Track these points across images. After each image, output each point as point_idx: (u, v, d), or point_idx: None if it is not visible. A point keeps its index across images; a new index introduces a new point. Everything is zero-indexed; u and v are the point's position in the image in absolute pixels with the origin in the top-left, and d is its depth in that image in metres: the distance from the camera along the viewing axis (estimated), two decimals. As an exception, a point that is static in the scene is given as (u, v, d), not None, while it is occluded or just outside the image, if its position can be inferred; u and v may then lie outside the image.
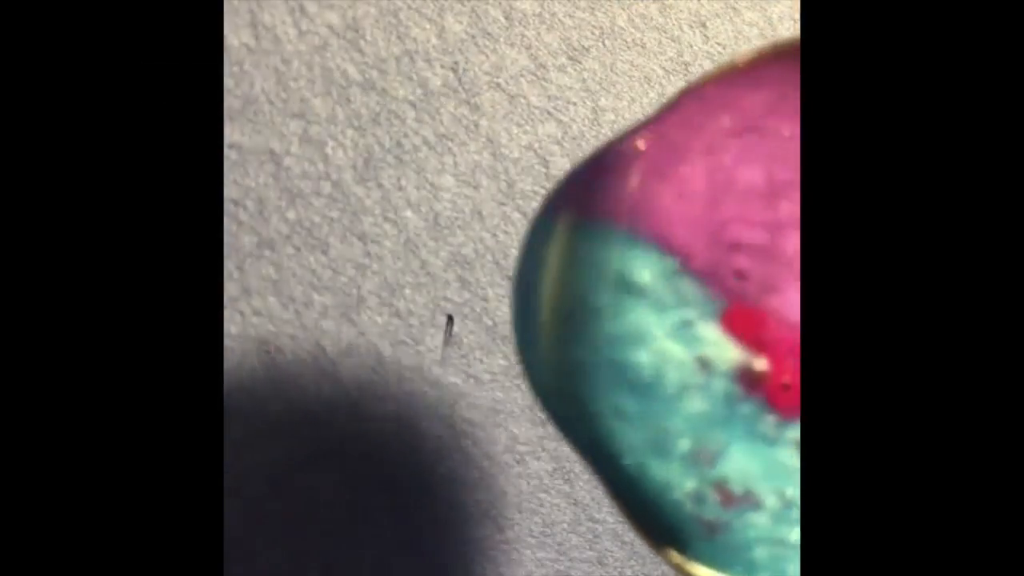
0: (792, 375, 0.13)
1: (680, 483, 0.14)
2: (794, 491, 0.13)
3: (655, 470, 0.14)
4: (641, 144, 0.14)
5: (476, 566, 0.32)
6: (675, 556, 0.14)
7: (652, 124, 0.15)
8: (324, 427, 0.29)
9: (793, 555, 0.13)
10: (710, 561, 0.14)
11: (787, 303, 0.13)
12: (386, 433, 0.30)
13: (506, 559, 0.33)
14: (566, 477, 0.34)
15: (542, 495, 0.33)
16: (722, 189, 0.14)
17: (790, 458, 0.13)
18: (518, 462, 0.33)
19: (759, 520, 0.13)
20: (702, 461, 0.14)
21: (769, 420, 0.13)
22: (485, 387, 0.32)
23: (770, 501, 0.13)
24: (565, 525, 0.34)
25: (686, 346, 0.14)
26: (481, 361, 0.32)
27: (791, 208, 0.13)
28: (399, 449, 0.31)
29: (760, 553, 0.13)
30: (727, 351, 0.14)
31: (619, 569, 0.35)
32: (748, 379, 0.14)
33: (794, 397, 0.13)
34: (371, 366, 0.30)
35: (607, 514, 0.34)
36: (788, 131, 0.13)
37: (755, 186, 0.13)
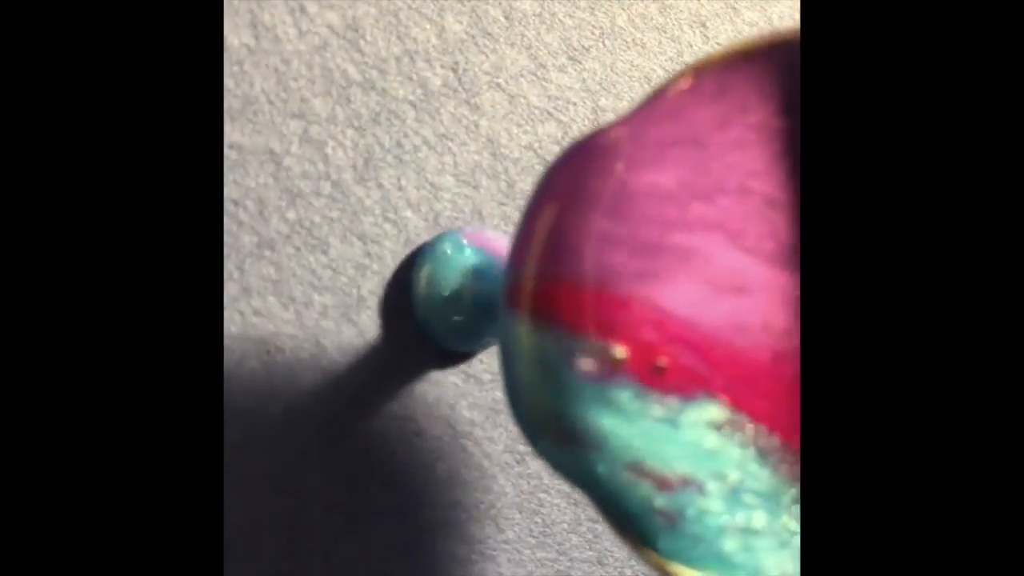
0: (670, 358, 0.13)
1: (588, 469, 0.14)
2: (738, 475, 0.13)
3: (553, 457, 0.15)
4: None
5: (476, 566, 0.32)
6: (654, 556, 0.14)
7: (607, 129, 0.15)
8: (324, 427, 0.29)
9: (765, 545, 0.13)
10: (683, 557, 0.14)
11: (667, 293, 0.13)
12: (386, 433, 0.30)
13: (506, 559, 0.33)
14: (566, 477, 0.34)
15: (542, 495, 0.33)
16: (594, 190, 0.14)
17: (710, 439, 0.13)
18: (518, 462, 0.33)
19: (711, 505, 0.13)
20: (577, 445, 0.14)
21: (667, 402, 0.13)
22: (485, 387, 0.32)
23: (712, 486, 0.13)
24: (565, 525, 0.34)
25: (504, 329, 0.15)
26: (481, 361, 0.32)
27: (704, 209, 0.13)
28: (399, 449, 0.31)
29: (730, 545, 0.13)
30: (527, 331, 0.14)
31: (619, 569, 0.35)
32: (591, 361, 0.14)
33: (679, 377, 0.13)
34: (371, 366, 0.30)
35: (607, 514, 0.34)
36: (733, 142, 0.13)
37: (656, 188, 0.14)
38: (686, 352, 0.13)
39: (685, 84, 0.14)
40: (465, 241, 0.30)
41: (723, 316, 0.13)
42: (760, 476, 0.13)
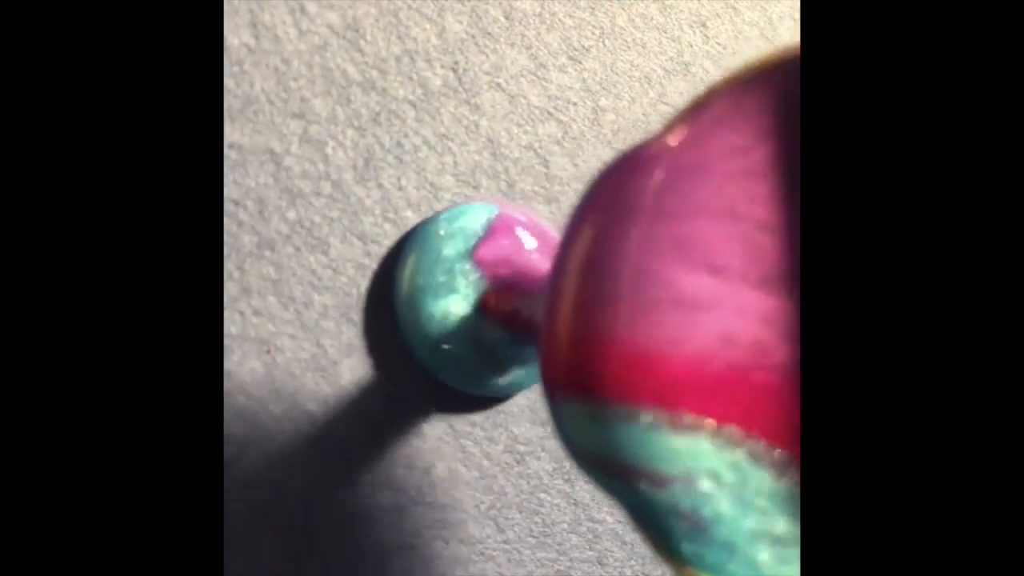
0: (569, 363, 0.14)
1: (584, 470, 0.15)
2: (733, 475, 0.13)
3: (592, 477, 0.15)
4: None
5: (476, 566, 0.32)
6: (690, 571, 0.14)
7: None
8: (324, 427, 0.29)
9: (799, 556, 0.13)
10: (719, 571, 0.14)
11: (571, 302, 0.14)
12: (386, 433, 0.30)
13: (506, 559, 0.33)
14: (566, 477, 0.34)
15: (542, 495, 0.33)
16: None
17: (652, 436, 0.13)
18: (518, 462, 0.33)
19: (720, 506, 0.13)
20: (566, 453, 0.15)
21: (586, 403, 0.14)
22: (485, 387, 0.32)
23: (706, 484, 0.13)
24: (565, 525, 0.34)
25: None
26: (481, 361, 0.32)
27: (667, 230, 0.14)
28: (399, 449, 0.31)
29: (764, 555, 0.13)
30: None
31: (619, 569, 0.35)
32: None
33: (570, 380, 0.14)
34: (371, 366, 0.30)
35: (607, 514, 0.34)
36: (743, 170, 0.13)
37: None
38: (590, 358, 0.13)
39: (725, 101, 0.14)
40: (466, 208, 0.28)
41: (655, 328, 0.13)
42: (761, 478, 0.13)
